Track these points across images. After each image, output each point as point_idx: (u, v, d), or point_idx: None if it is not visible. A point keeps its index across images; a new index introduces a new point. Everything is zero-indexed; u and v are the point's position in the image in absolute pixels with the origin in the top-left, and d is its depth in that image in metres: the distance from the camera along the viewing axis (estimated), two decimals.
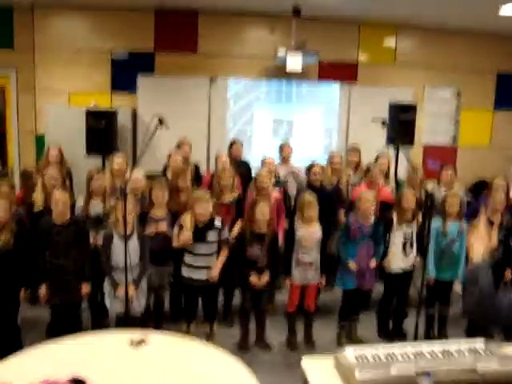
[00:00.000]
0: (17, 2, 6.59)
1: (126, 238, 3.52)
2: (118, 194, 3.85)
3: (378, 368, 2.42)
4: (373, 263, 4.52)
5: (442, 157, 7.51)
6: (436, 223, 4.45)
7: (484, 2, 5.90)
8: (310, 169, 5.37)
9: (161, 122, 3.54)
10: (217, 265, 4.21)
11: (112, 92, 7.01)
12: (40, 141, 6.75)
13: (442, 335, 4.79)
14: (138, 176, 4.74)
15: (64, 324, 3.94)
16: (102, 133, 5.95)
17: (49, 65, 6.87)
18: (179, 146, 5.72)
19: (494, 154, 8.00)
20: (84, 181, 4.76)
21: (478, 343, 2.78)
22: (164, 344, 2.93)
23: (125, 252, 3.47)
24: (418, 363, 2.49)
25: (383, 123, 4.44)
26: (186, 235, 4.10)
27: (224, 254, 4.26)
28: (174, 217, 4.42)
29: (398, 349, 2.68)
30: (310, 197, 4.46)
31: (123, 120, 6.54)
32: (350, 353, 2.59)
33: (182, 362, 2.75)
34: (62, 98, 6.90)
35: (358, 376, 2.34)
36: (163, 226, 4.34)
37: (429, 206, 3.90)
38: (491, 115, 8.06)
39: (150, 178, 4.93)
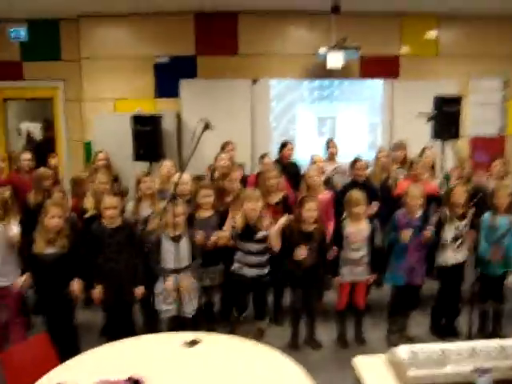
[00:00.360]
0: (63, 14, 6.81)
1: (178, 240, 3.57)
2: (168, 198, 3.91)
3: (433, 365, 2.40)
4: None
5: (490, 148, 7.31)
6: (486, 217, 4.35)
7: None
8: (353, 164, 5.33)
9: (207, 125, 3.58)
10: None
11: (156, 97, 7.14)
12: (88, 148, 6.96)
13: (497, 333, 4.67)
14: (185, 179, 4.83)
15: (118, 326, 4.04)
16: (148, 138, 6.08)
17: (94, 73, 7.09)
18: (224, 147, 5.80)
19: None
20: (132, 186, 4.89)
21: None
22: (217, 344, 2.98)
23: (177, 254, 3.54)
24: (475, 360, 2.45)
25: (431, 118, 4.35)
26: (223, 234, 4.15)
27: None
28: (222, 218, 4.48)
29: (452, 346, 2.65)
30: (357, 193, 4.43)
31: (168, 125, 6.67)
32: (403, 350, 2.57)
33: (236, 361, 2.79)
34: (107, 105, 7.11)
35: (411, 373, 2.32)
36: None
37: (479, 200, 3.82)
38: None
39: (196, 179, 5.01)
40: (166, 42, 6.98)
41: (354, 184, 5.15)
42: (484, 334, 4.61)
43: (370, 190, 5.00)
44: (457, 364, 2.40)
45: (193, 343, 2.84)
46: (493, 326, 4.70)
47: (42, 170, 5.17)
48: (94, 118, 6.80)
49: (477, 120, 7.48)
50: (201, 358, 2.77)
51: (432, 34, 7.48)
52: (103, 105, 7.06)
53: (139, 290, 4.09)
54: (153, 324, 4.62)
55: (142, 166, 6.07)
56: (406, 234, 4.34)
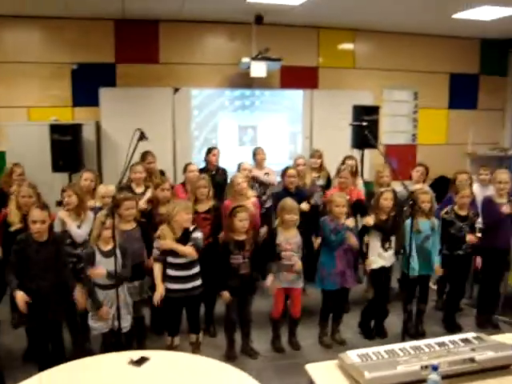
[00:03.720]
0: None
1: (115, 256, 3.44)
2: (107, 211, 3.74)
3: (385, 366, 2.48)
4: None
5: (402, 155, 7.73)
6: (408, 222, 4.47)
7: (437, 9, 6.14)
8: (284, 172, 5.39)
9: (142, 135, 3.49)
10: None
11: (74, 106, 6.84)
12: (1, 159, 6.51)
13: (419, 331, 4.92)
14: (108, 191, 4.66)
15: (44, 348, 3.82)
16: (67, 148, 5.81)
17: (5, 78, 6.65)
18: (143, 157, 5.64)
19: (451, 150, 8.33)
20: (51, 198, 4.66)
21: (468, 334, 2.90)
22: (166, 360, 2.90)
23: (115, 268, 3.40)
24: (421, 357, 2.56)
25: (362, 126, 4.53)
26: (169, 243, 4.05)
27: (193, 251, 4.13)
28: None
29: (395, 347, 2.75)
30: (289, 201, 4.50)
31: (87, 134, 6.41)
32: (353, 354, 2.63)
33: (186, 376, 2.73)
34: (20, 112, 6.70)
35: (367, 376, 2.38)
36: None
37: (411, 205, 4.01)
38: (447, 114, 8.38)
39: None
40: (85, 48, 6.71)
41: (285, 192, 5.23)
42: (408, 333, 4.80)
43: (301, 198, 5.11)
44: (406, 364, 2.49)
45: (141, 361, 2.73)
46: (416, 325, 4.95)
47: None
48: (6, 127, 6.38)
49: (390, 130, 7.88)
50: (152, 376, 2.68)
51: (349, 46, 7.80)
52: (16, 112, 6.65)
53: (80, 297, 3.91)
54: (82, 343, 4.43)
55: (62, 177, 5.79)
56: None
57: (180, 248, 4.04)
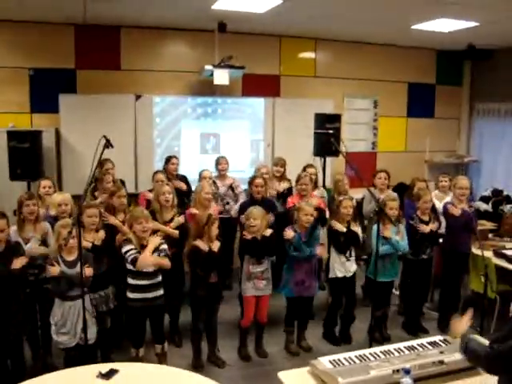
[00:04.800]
0: None
1: (81, 263, 3.36)
2: (72, 221, 3.63)
3: (358, 371, 2.50)
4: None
5: (363, 163, 7.84)
6: (375, 228, 4.52)
7: (398, 20, 6.30)
8: (252, 181, 5.38)
9: (108, 142, 3.42)
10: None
11: (32, 112, 6.65)
12: None
13: (387, 336, 5.00)
14: (64, 198, 4.56)
15: (3, 364, 3.68)
16: (26, 155, 5.60)
17: None
18: (102, 164, 5.51)
19: (410, 158, 8.52)
20: (8, 207, 4.52)
21: (436, 337, 2.97)
22: (136, 372, 2.84)
23: (80, 278, 3.31)
24: (392, 362, 2.60)
25: (328, 134, 4.58)
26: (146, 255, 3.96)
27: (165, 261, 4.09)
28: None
29: (365, 352, 2.79)
30: (256, 209, 4.51)
31: (47, 141, 6.22)
32: (325, 361, 2.65)
33: None
34: None
35: (341, 381, 2.39)
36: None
37: (377, 211, 4.07)
38: (405, 122, 8.59)
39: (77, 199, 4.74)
40: (44, 53, 6.49)
41: (252, 201, 5.22)
42: (373, 336, 4.87)
43: (269, 206, 5.12)
44: (378, 368, 2.52)
45: (110, 374, 2.66)
46: (380, 330, 5.02)
47: None
48: None
49: (350, 137, 8.00)
50: None
51: (310, 55, 7.89)
52: None
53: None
54: (43, 358, 4.29)
55: (20, 185, 5.62)
56: (289, 234, 4.52)
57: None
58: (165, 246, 4.10)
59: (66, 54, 6.65)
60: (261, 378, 4.26)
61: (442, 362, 2.61)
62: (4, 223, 3.69)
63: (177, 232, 4.63)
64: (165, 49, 7.18)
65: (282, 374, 2.66)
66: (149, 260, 3.93)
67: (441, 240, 5.25)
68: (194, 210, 4.92)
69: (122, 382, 2.67)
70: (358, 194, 5.83)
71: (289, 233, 4.53)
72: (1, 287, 3.61)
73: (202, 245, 4.22)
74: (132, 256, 3.92)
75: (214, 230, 4.25)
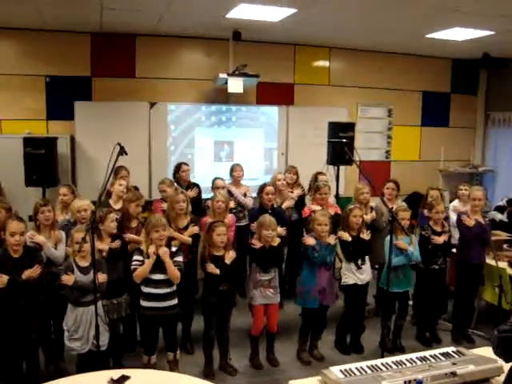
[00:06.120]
0: None
1: (94, 270, 3.38)
2: (87, 227, 3.66)
3: (369, 382, 2.48)
4: None
5: (376, 172, 7.81)
6: (388, 238, 4.48)
7: (412, 29, 6.30)
8: (262, 190, 5.39)
9: (122, 149, 3.45)
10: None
11: (48, 119, 6.73)
12: None
13: (398, 346, 4.95)
14: (83, 205, 4.59)
15: (16, 370, 3.69)
16: (41, 161, 5.68)
17: None
18: (117, 172, 5.55)
19: (424, 167, 8.48)
20: (24, 213, 4.54)
21: (449, 348, 2.94)
22: (147, 379, 2.85)
23: (94, 284, 3.33)
24: (404, 372, 2.58)
25: (341, 143, 4.58)
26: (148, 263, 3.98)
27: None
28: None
29: (377, 362, 2.77)
30: (268, 217, 4.51)
31: (62, 148, 6.31)
32: (336, 370, 2.64)
33: None
34: None
35: None
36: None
37: (390, 221, 4.04)
38: (419, 131, 8.55)
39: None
40: (60, 61, 6.59)
41: (261, 210, 5.22)
42: (386, 348, 4.83)
43: (278, 215, 5.12)
44: (390, 379, 2.50)
45: (121, 380, 2.67)
46: (393, 340, 4.98)
47: None
48: None
49: (364, 146, 7.97)
50: None
51: (324, 63, 7.90)
52: None
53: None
54: (56, 363, 4.32)
55: (35, 192, 5.68)
56: (310, 240, 4.49)
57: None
58: (179, 259, 4.10)
59: (82, 62, 6.75)
60: None
61: (454, 374, 2.57)
62: (23, 227, 3.73)
63: (190, 239, 4.66)
64: (179, 57, 7.25)
65: (292, 383, 2.65)
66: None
67: (454, 250, 5.20)
68: (208, 219, 4.93)
69: None
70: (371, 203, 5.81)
71: (309, 240, 4.51)
72: (20, 293, 3.64)
73: (211, 268, 4.22)
74: (133, 267, 3.96)
75: (216, 236, 4.25)
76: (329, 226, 4.58)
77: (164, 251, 3.97)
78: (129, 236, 4.53)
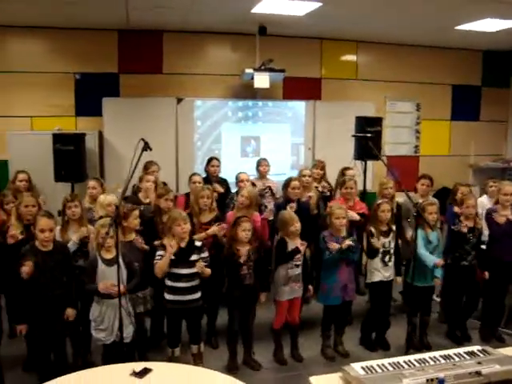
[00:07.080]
0: None
1: (118, 264, 3.43)
2: (111, 222, 3.71)
3: (390, 379, 2.45)
4: None
5: (405, 167, 7.71)
6: (419, 232, 4.42)
7: (440, 21, 6.17)
8: (287, 184, 5.36)
9: (146, 144, 3.49)
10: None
11: (77, 115, 6.85)
12: (3, 168, 6.48)
13: (426, 344, 4.88)
14: (111, 200, 4.65)
15: (46, 358, 3.78)
16: (70, 157, 5.80)
17: (7, 88, 6.64)
18: (147, 167, 5.62)
19: (453, 162, 8.33)
20: (53, 207, 4.65)
21: (474, 347, 2.88)
22: (169, 372, 2.87)
23: (117, 278, 3.38)
24: (426, 370, 2.54)
25: (366, 137, 4.52)
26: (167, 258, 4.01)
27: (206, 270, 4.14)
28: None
29: (400, 359, 2.73)
30: (286, 213, 4.50)
31: (90, 144, 6.42)
32: (357, 367, 2.61)
33: None
34: (23, 122, 6.69)
35: None
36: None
37: (416, 216, 3.98)
38: (449, 125, 8.39)
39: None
40: (89, 58, 6.72)
41: (287, 203, 5.19)
42: (413, 345, 4.76)
43: (304, 209, 5.09)
44: (412, 377, 2.46)
45: (143, 373, 2.70)
46: (420, 338, 4.90)
47: None
48: (9, 136, 6.38)
49: (392, 141, 7.88)
50: None
51: (351, 57, 7.82)
52: (19, 122, 6.64)
53: (71, 312, 3.83)
54: (84, 354, 4.39)
55: (64, 187, 5.79)
56: (334, 246, 4.42)
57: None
58: (205, 254, 4.13)
59: (110, 59, 6.86)
60: (295, 382, 4.24)
61: (479, 374, 2.52)
62: (52, 223, 3.79)
63: (217, 229, 4.59)
64: (206, 52, 7.28)
65: (313, 379, 2.64)
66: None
67: (483, 247, 5.08)
68: (236, 213, 4.93)
69: (154, 381, 2.70)
70: (398, 198, 5.73)
71: (334, 245, 4.46)
72: (52, 285, 3.72)
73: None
74: (155, 261, 4.01)
75: (240, 232, 4.25)
76: (346, 220, 4.53)
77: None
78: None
